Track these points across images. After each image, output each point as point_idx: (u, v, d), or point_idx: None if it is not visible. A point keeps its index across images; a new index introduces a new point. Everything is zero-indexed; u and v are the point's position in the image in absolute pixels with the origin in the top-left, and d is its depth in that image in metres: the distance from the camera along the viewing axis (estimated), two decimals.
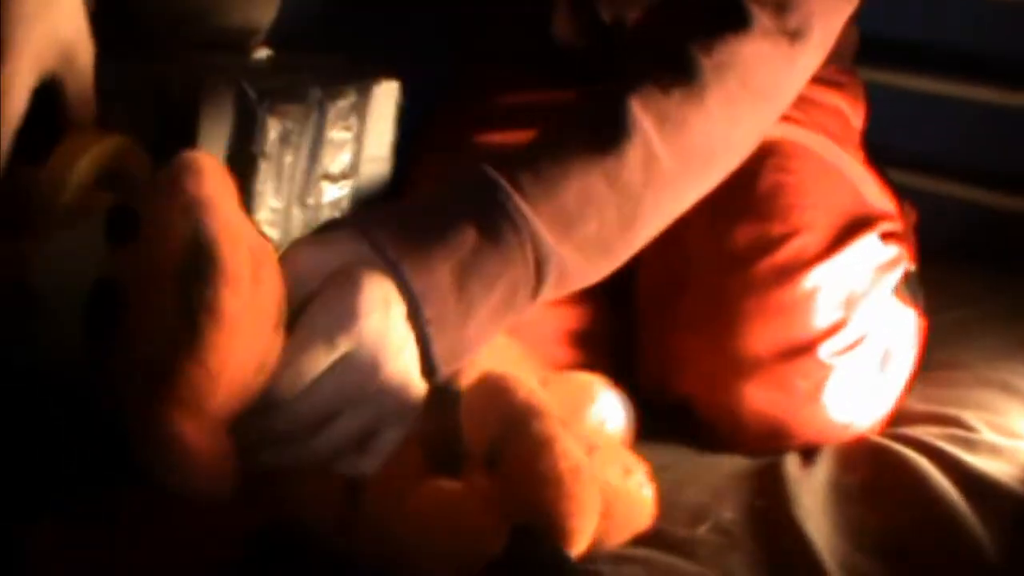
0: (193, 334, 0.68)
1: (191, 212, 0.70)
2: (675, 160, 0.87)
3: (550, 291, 0.84)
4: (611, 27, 1.16)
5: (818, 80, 1.14)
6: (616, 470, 0.86)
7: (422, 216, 0.81)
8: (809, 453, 1.03)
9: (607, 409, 0.94)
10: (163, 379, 0.69)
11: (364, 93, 1.03)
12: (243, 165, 0.98)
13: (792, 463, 1.01)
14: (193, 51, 1.01)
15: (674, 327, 1.09)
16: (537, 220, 0.81)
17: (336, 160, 1.02)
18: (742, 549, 0.90)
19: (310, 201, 1.01)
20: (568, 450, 0.76)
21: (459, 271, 0.79)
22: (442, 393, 0.81)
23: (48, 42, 0.81)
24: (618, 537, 0.86)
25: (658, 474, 0.90)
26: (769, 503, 0.96)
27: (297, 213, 1.00)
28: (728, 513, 0.94)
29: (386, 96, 1.05)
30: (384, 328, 0.75)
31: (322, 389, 0.75)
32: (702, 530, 0.92)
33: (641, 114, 0.86)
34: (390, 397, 0.76)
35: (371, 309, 0.75)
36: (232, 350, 0.69)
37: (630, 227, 0.87)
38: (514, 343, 0.92)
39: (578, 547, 0.77)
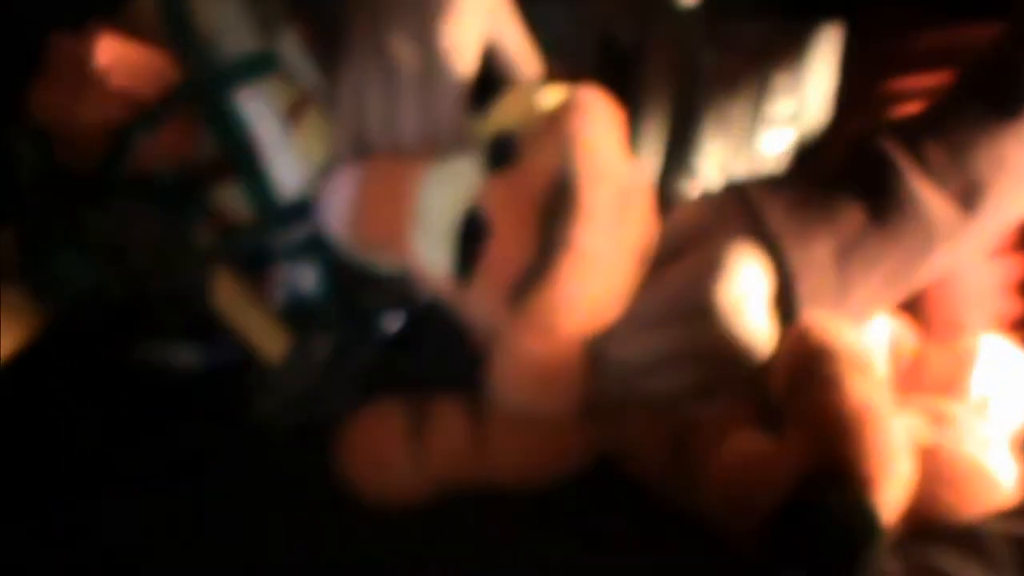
0: (549, 266, 0.73)
1: (563, 148, 0.74)
2: None
3: (940, 268, 0.82)
4: None
5: None
6: (973, 441, 0.81)
7: (810, 189, 0.81)
8: None
9: (995, 373, 0.87)
10: (519, 304, 0.74)
11: (806, 37, 1.01)
12: (685, 114, 0.98)
13: None
14: None
15: None
16: (940, 197, 0.79)
17: (779, 107, 1.01)
18: None
19: (752, 150, 1.01)
20: (854, 390, 0.73)
21: (840, 251, 0.78)
22: None
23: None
24: (968, 510, 0.80)
25: None
26: None
27: (738, 162, 1.00)
28: None
29: (828, 41, 1.02)
30: (742, 305, 0.77)
31: (661, 339, 0.78)
32: None
33: None
34: (731, 367, 0.78)
35: (734, 283, 0.76)
36: (585, 283, 0.74)
37: None
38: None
39: (880, 495, 0.71)
